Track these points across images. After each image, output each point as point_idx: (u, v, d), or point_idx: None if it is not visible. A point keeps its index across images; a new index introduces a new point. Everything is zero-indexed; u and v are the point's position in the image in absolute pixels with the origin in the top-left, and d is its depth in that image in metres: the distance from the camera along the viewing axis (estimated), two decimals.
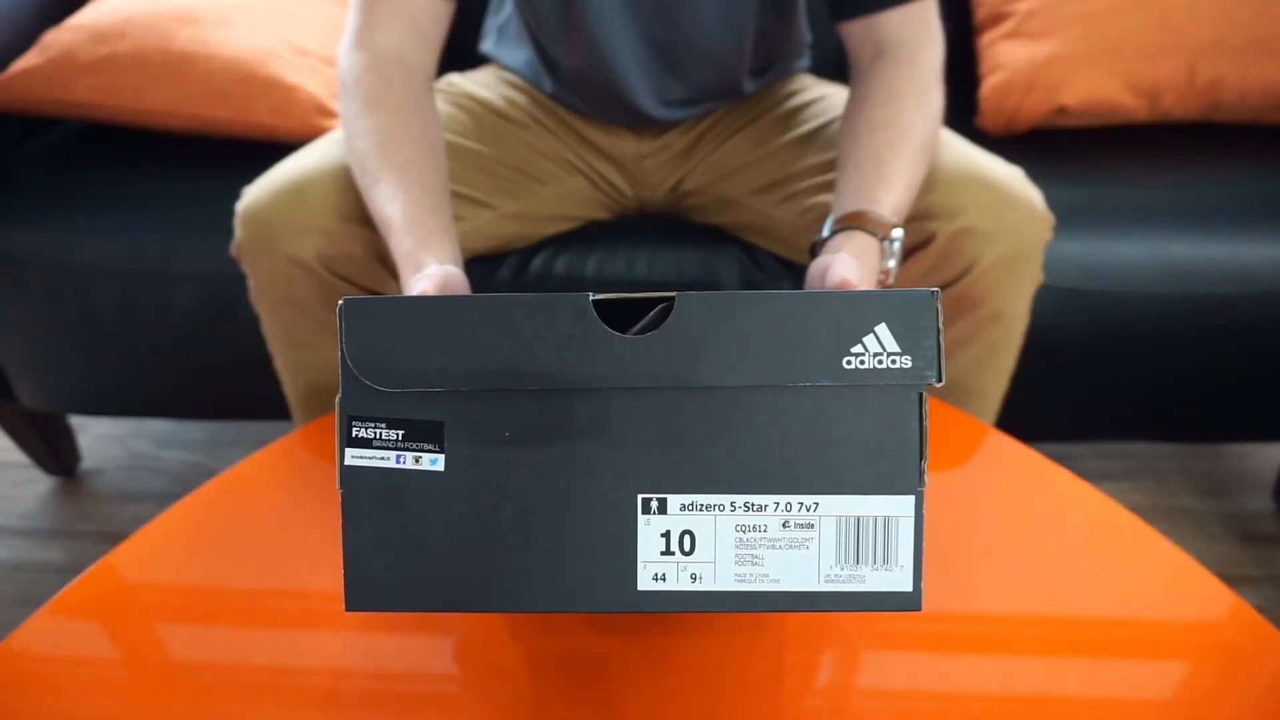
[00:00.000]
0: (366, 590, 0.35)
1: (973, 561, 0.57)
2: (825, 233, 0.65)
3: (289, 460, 0.67)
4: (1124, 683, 0.49)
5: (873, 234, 0.63)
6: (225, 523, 0.61)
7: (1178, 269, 0.94)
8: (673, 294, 0.33)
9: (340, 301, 0.34)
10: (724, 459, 0.34)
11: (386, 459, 0.34)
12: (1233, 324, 0.95)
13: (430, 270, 0.57)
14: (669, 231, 0.96)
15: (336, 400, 0.34)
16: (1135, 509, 0.60)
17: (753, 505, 0.34)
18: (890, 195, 0.65)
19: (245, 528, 0.61)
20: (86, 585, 0.57)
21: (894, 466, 0.35)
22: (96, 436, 1.40)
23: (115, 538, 1.20)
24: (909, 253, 0.74)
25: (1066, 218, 0.94)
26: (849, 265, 0.53)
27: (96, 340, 1.06)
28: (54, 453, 1.29)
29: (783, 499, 0.34)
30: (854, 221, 0.63)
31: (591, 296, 0.33)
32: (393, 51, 0.72)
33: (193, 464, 1.35)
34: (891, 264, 0.64)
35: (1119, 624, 0.53)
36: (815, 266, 0.57)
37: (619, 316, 0.33)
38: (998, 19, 1.17)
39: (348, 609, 0.36)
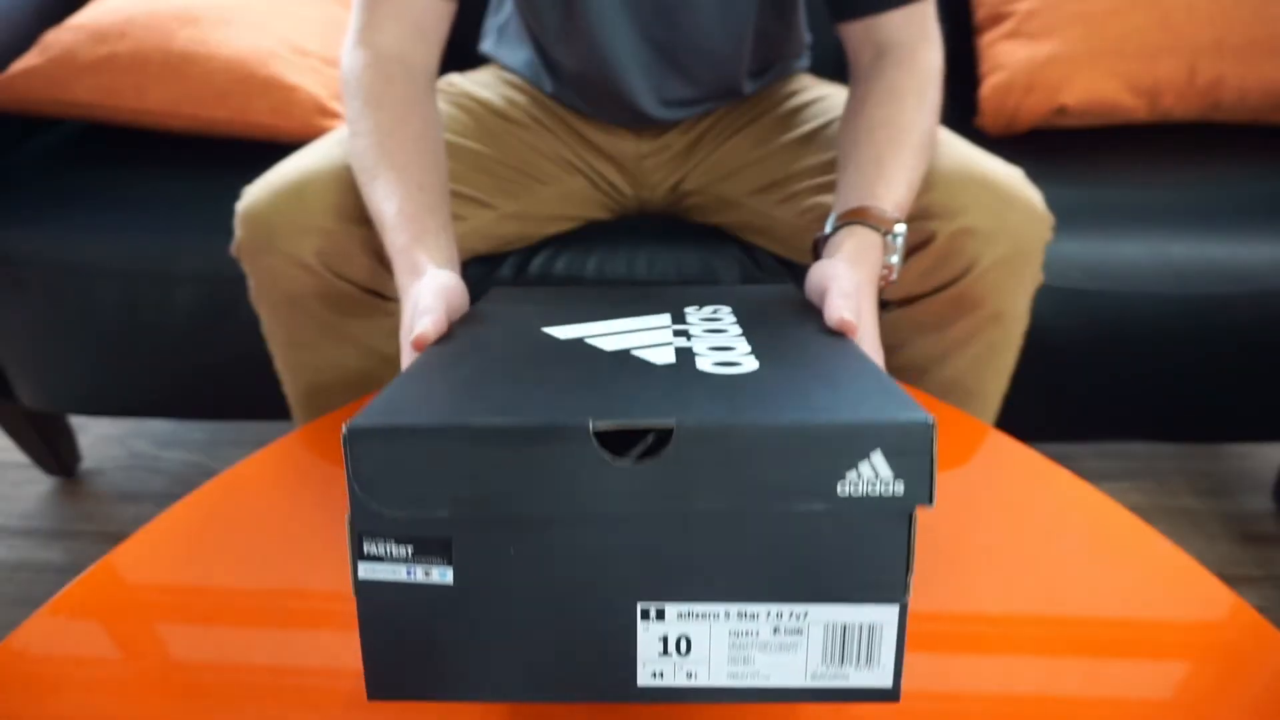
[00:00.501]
0: (385, 683, 0.37)
1: (973, 561, 0.57)
2: (828, 229, 0.65)
3: (289, 460, 0.67)
4: (1124, 683, 0.49)
5: (875, 229, 0.63)
6: (225, 523, 0.61)
7: (1178, 269, 0.94)
8: (672, 423, 0.33)
9: (344, 429, 0.34)
10: (719, 573, 0.36)
11: (398, 573, 0.35)
12: (1233, 324, 0.95)
13: (427, 277, 0.57)
14: (669, 231, 0.96)
15: (347, 519, 0.35)
16: (1135, 509, 0.61)
17: (745, 614, 0.36)
18: (892, 192, 0.65)
19: (245, 528, 0.61)
20: (86, 585, 0.57)
21: (881, 578, 0.36)
22: (96, 436, 1.40)
23: (115, 538, 1.20)
24: (909, 253, 0.74)
25: (1066, 218, 0.94)
26: (847, 294, 0.51)
27: (96, 340, 1.06)
28: (54, 453, 1.29)
29: (774, 607, 0.36)
30: (856, 217, 0.63)
31: (591, 426, 0.33)
32: (394, 50, 0.72)
33: (193, 464, 1.35)
34: (895, 259, 0.64)
35: (1119, 624, 0.53)
36: (814, 276, 0.57)
37: (620, 437, 0.34)
38: (998, 19, 1.17)
39: (370, 699, 0.38)
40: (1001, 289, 0.74)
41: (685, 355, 0.44)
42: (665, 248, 0.95)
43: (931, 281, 0.75)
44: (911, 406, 0.35)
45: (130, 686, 0.51)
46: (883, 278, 0.64)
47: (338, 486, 0.64)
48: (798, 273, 0.90)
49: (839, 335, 0.49)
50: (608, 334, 0.49)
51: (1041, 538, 0.59)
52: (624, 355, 0.44)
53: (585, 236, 0.95)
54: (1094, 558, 0.57)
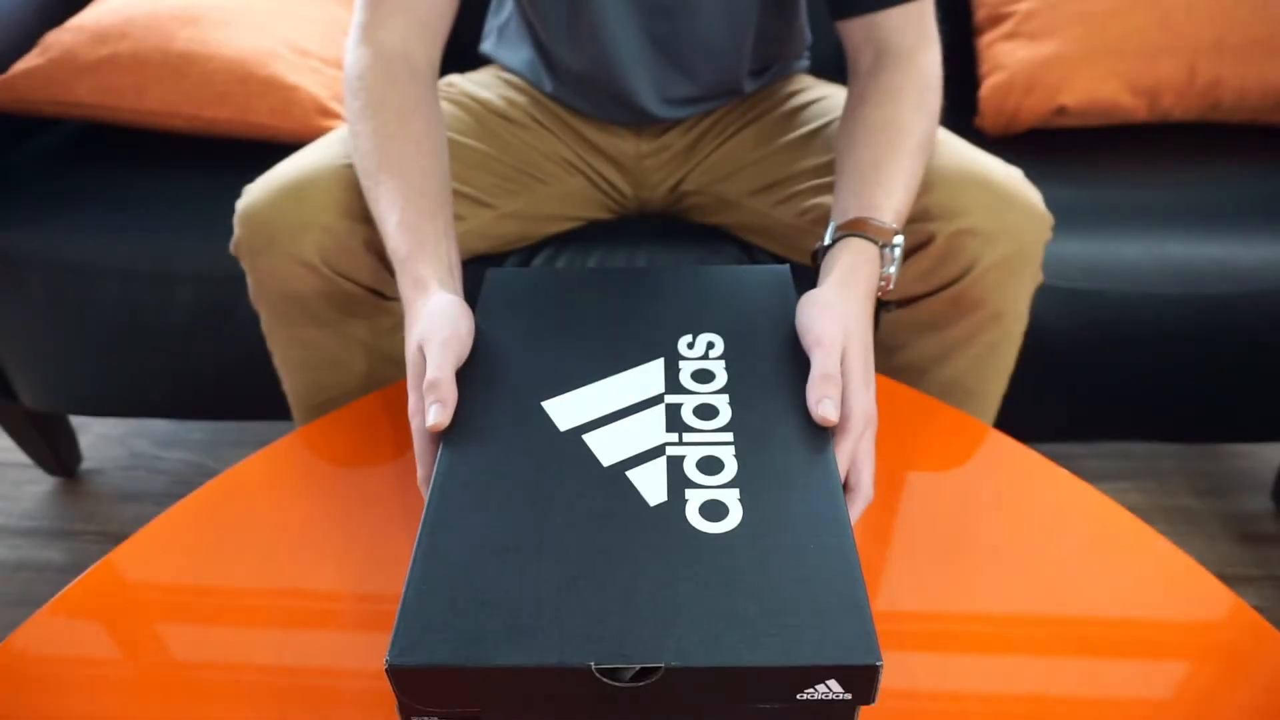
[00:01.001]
0: None
1: (973, 561, 0.57)
2: (827, 240, 0.65)
3: (289, 460, 0.67)
4: (1124, 683, 0.49)
5: (873, 241, 0.63)
6: (225, 523, 0.61)
7: (1178, 269, 0.94)
8: (661, 665, 0.39)
9: (386, 665, 0.40)
10: None
11: None
12: (1233, 324, 0.95)
13: (429, 313, 0.57)
14: (669, 231, 0.96)
15: (396, 705, 0.42)
16: (1135, 509, 0.61)
17: None
18: (890, 200, 0.65)
19: (245, 528, 0.61)
20: (87, 585, 0.57)
21: None
22: (97, 436, 1.40)
23: (115, 538, 1.21)
24: (908, 253, 0.74)
25: (1066, 218, 0.94)
26: (827, 375, 0.53)
27: (96, 340, 1.06)
28: (55, 453, 1.29)
29: None
30: (853, 229, 0.63)
31: (594, 667, 0.39)
32: (398, 49, 0.72)
33: (193, 464, 1.35)
34: (893, 270, 0.64)
35: (1119, 624, 0.53)
36: (803, 318, 0.57)
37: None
38: (997, 19, 1.17)
39: None
40: (1001, 289, 0.74)
41: (676, 485, 0.48)
42: (665, 247, 0.95)
43: (932, 282, 0.75)
44: (867, 633, 0.40)
45: (130, 686, 0.51)
46: (880, 288, 0.64)
47: (338, 486, 0.64)
48: (796, 272, 0.90)
49: (823, 439, 0.51)
50: (604, 416, 0.53)
51: (1041, 538, 0.59)
52: (619, 480, 0.49)
53: (585, 236, 0.95)
54: (1094, 558, 0.57)
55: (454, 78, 0.94)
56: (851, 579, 0.43)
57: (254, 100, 1.06)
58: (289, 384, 0.85)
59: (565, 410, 0.53)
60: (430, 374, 0.53)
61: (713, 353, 0.58)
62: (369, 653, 0.52)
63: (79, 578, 0.57)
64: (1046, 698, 0.49)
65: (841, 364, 0.54)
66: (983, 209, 0.72)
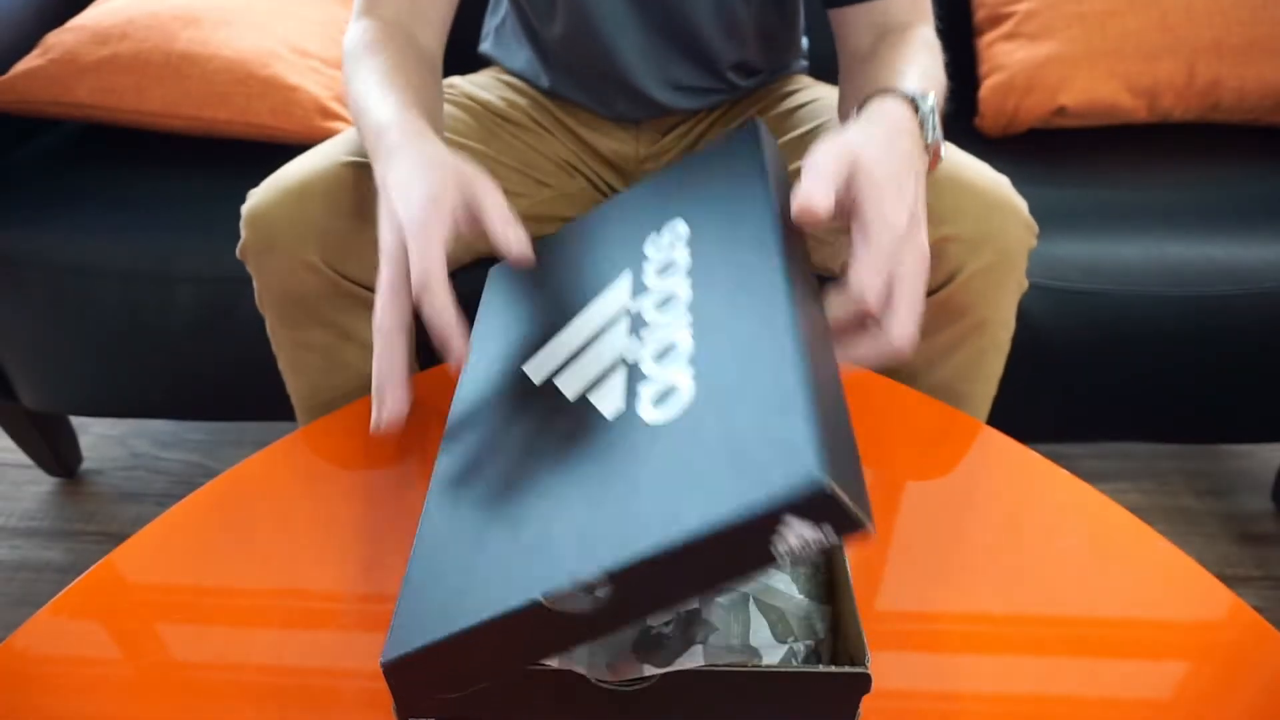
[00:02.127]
0: None
1: (972, 561, 0.57)
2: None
3: (289, 460, 0.67)
4: (1123, 683, 0.50)
5: (900, 98, 0.57)
6: (225, 523, 0.61)
7: (1177, 269, 0.94)
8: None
9: (381, 665, 0.41)
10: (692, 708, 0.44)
11: None
12: (1232, 324, 0.95)
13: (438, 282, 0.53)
14: None
15: (393, 708, 0.43)
16: (1135, 509, 0.61)
17: None
18: (906, 81, 0.61)
19: (245, 528, 0.61)
20: (87, 585, 0.57)
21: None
22: (97, 436, 1.40)
23: (116, 538, 1.21)
24: None
25: (1066, 218, 0.94)
26: (814, 170, 0.47)
27: (97, 341, 1.06)
28: (55, 453, 1.29)
29: None
30: (877, 94, 0.59)
31: (544, 599, 0.39)
32: (397, 21, 0.73)
33: (193, 464, 1.35)
34: (934, 135, 0.58)
35: (1118, 624, 0.53)
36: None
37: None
38: (997, 20, 1.17)
39: None
40: (986, 296, 0.74)
41: (632, 386, 0.46)
42: None
43: None
44: (803, 456, 0.34)
45: (130, 686, 0.51)
46: (930, 149, 0.58)
47: (338, 486, 0.64)
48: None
49: (782, 287, 0.44)
50: (572, 354, 0.51)
51: (1041, 538, 0.59)
52: (583, 408, 0.47)
53: None
54: (1093, 558, 0.57)
55: (454, 79, 0.94)
56: (792, 409, 0.37)
57: (254, 101, 1.06)
58: (293, 386, 0.85)
59: (540, 366, 0.52)
60: (445, 329, 0.48)
61: (679, 241, 0.53)
62: (369, 653, 0.52)
63: (79, 578, 0.57)
64: (1046, 698, 0.49)
65: (854, 178, 0.48)
66: (967, 215, 0.72)
